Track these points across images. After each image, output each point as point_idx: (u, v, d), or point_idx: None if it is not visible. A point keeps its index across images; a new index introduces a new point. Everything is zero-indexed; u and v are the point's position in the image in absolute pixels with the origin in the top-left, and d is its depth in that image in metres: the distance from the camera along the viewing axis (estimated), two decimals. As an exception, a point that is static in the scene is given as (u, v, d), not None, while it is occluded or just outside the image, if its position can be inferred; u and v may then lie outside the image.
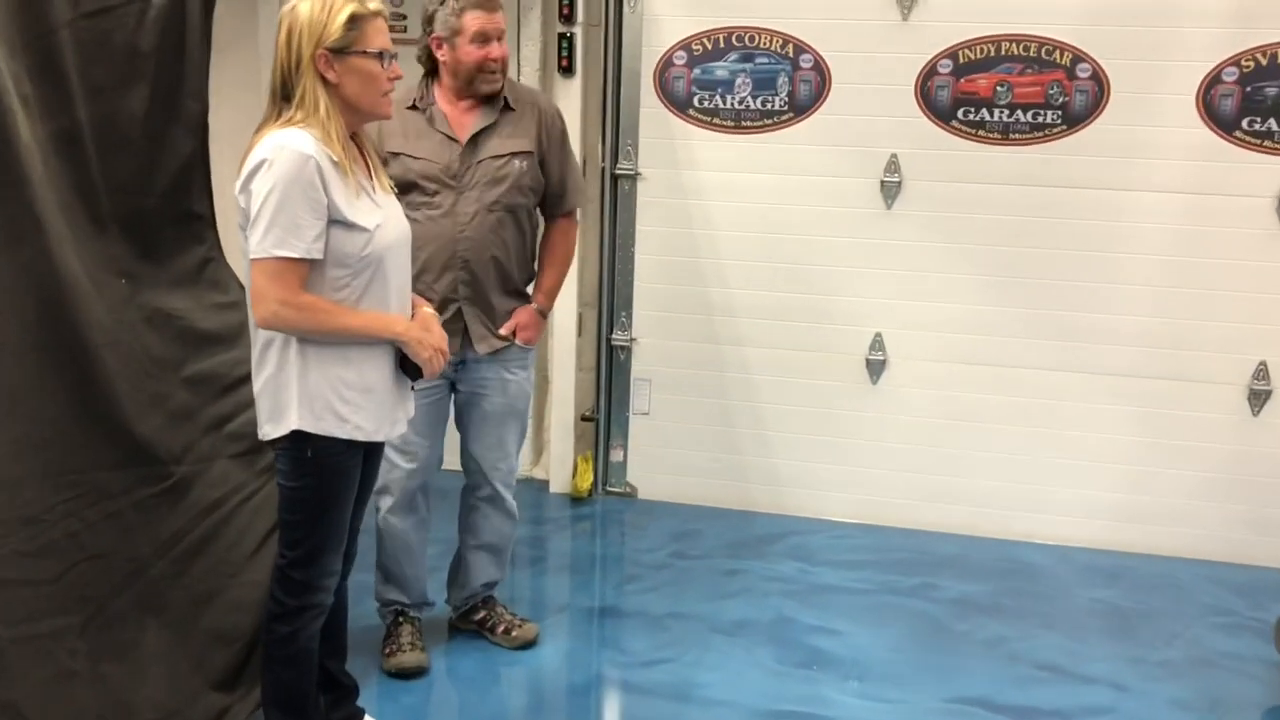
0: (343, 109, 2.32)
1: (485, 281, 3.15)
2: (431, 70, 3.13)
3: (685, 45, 4.30)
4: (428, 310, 2.57)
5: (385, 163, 2.94)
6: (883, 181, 4.23)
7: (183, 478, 2.77)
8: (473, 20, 3.01)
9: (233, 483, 2.91)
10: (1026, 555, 4.22)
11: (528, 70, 4.51)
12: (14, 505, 2.27)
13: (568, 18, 4.30)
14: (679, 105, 4.35)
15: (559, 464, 4.72)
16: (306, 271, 2.27)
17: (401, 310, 2.47)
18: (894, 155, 4.20)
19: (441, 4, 3.05)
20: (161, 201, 2.78)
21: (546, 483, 4.77)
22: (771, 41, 4.22)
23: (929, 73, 4.12)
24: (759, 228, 4.37)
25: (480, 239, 3.11)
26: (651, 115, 4.38)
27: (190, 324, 2.84)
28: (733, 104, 4.31)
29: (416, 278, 2.99)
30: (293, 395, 2.33)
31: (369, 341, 2.38)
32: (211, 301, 2.93)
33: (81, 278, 2.48)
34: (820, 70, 4.20)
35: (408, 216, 2.97)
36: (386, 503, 3.27)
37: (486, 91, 3.10)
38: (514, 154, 3.16)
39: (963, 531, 4.36)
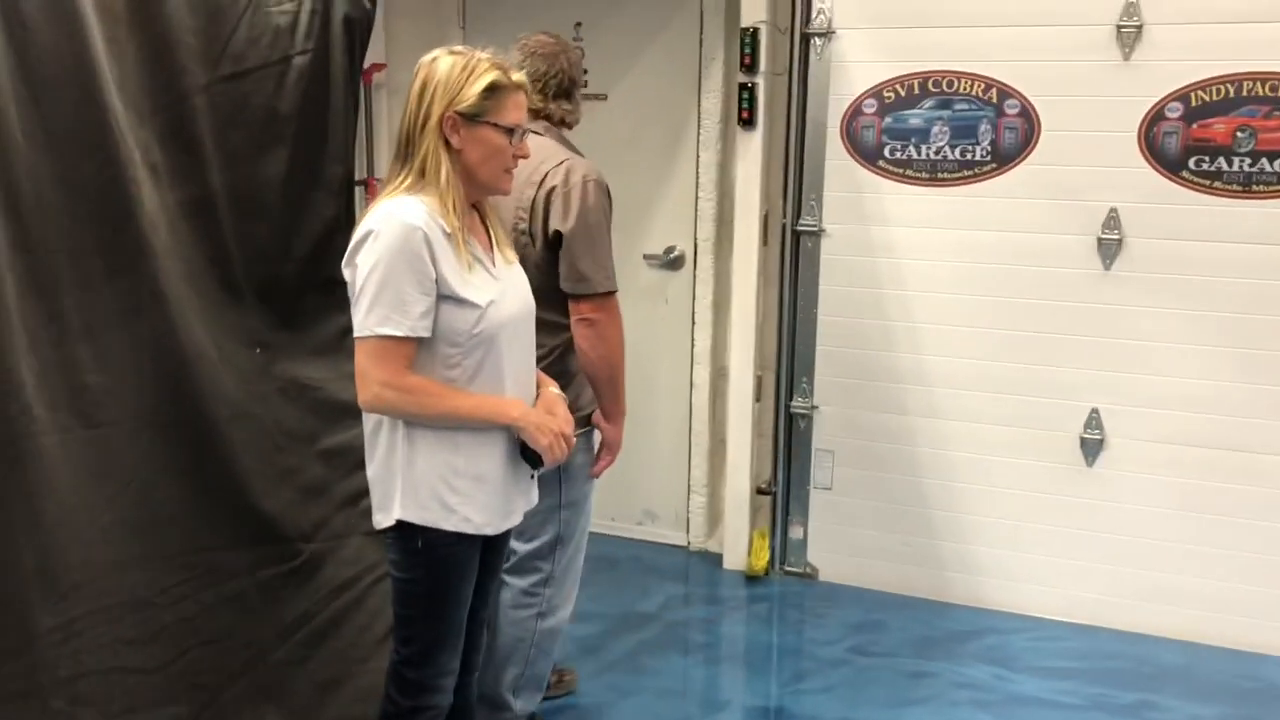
0: (462, 177, 2.15)
1: None
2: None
3: (876, 92, 3.97)
4: (554, 391, 2.35)
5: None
6: (1100, 239, 3.75)
7: (313, 556, 2.65)
8: None
9: (366, 561, 2.77)
10: (1268, 672, 3.61)
11: (708, 123, 4.29)
12: (120, 590, 2.18)
13: (749, 67, 4.05)
14: (868, 156, 4.02)
15: (734, 538, 4.41)
16: (413, 351, 2.09)
17: (521, 391, 2.26)
18: (1113, 210, 3.73)
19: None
20: (301, 268, 2.69)
21: (720, 557, 4.47)
22: (972, 86, 3.84)
23: (1155, 117, 3.63)
24: (957, 289, 3.97)
25: None
26: (838, 168, 4.06)
27: (328, 395, 2.73)
28: (928, 154, 3.94)
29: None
30: (398, 483, 2.15)
31: (482, 426, 2.17)
32: (352, 371, 2.82)
33: (208, 349, 2.39)
34: (1028, 116, 3.79)
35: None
36: (562, 595, 2.96)
37: None
38: None
39: (1191, 639, 3.78)
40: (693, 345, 4.46)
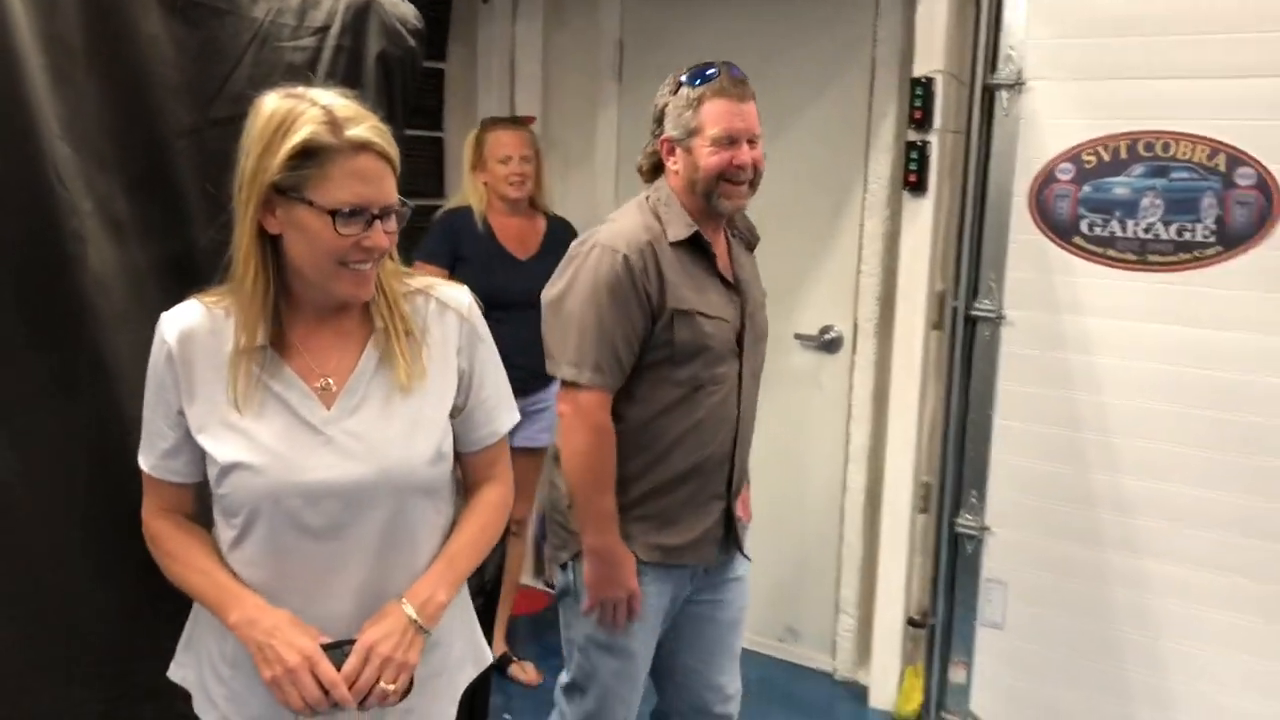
0: (294, 277, 1.68)
1: (746, 468, 2.43)
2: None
3: (1073, 155, 3.29)
4: (404, 609, 1.61)
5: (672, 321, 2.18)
6: (1360, 346, 2.92)
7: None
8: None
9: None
10: None
11: (876, 188, 3.72)
12: (16, 713, 1.88)
13: (920, 123, 3.46)
14: (1061, 232, 3.33)
15: (882, 674, 3.75)
16: (172, 491, 1.68)
17: (314, 595, 1.62)
18: (1380, 310, 2.89)
19: (674, 93, 2.37)
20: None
21: (867, 691, 3.81)
22: (1194, 150, 3.10)
23: None
24: (1167, 398, 3.20)
25: (749, 416, 2.38)
26: (1024, 244, 3.39)
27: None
28: (1136, 232, 3.21)
29: (683, 480, 2.24)
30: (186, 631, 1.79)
31: None
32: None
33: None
34: (1266, 189, 3.01)
35: (682, 402, 2.22)
36: None
37: (730, 211, 2.39)
38: (763, 297, 2.46)
39: None
40: (848, 441, 3.86)
